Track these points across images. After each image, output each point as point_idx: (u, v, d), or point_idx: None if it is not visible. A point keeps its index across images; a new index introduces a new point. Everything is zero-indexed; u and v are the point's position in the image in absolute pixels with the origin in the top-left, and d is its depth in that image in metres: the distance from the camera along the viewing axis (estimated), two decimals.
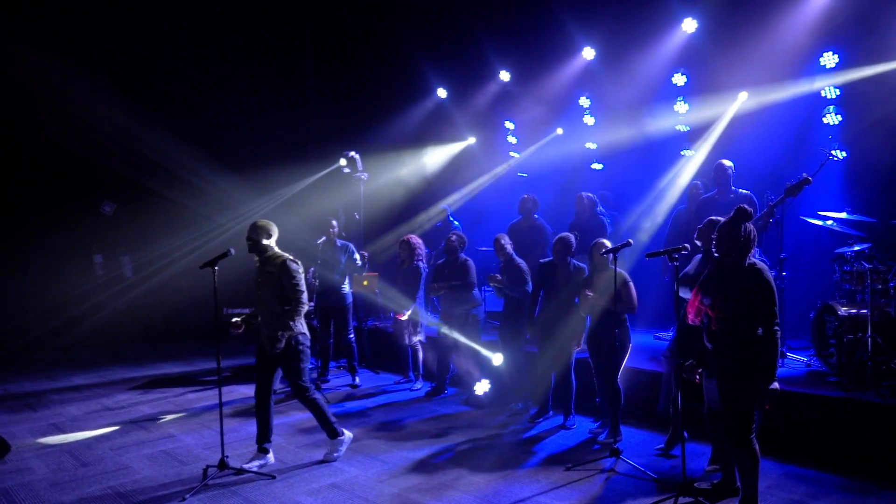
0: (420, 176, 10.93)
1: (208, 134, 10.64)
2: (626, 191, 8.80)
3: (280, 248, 4.95)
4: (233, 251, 4.74)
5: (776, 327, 3.68)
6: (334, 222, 7.46)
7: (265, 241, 4.80)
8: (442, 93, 10.81)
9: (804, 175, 5.56)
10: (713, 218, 4.43)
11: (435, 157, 11.00)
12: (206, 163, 10.31)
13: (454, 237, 6.83)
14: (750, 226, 3.77)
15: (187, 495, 4.25)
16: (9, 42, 9.23)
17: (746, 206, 3.84)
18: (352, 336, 7.59)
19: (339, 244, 7.45)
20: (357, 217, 9.57)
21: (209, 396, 7.12)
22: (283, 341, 4.65)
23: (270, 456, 4.85)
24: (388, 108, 11.13)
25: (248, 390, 7.04)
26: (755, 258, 3.79)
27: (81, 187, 10.77)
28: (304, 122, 12.19)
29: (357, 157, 9.49)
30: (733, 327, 3.69)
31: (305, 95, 12.19)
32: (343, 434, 4.99)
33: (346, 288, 7.47)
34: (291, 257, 4.81)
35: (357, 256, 7.44)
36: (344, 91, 11.77)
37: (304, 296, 4.78)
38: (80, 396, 7.20)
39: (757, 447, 3.75)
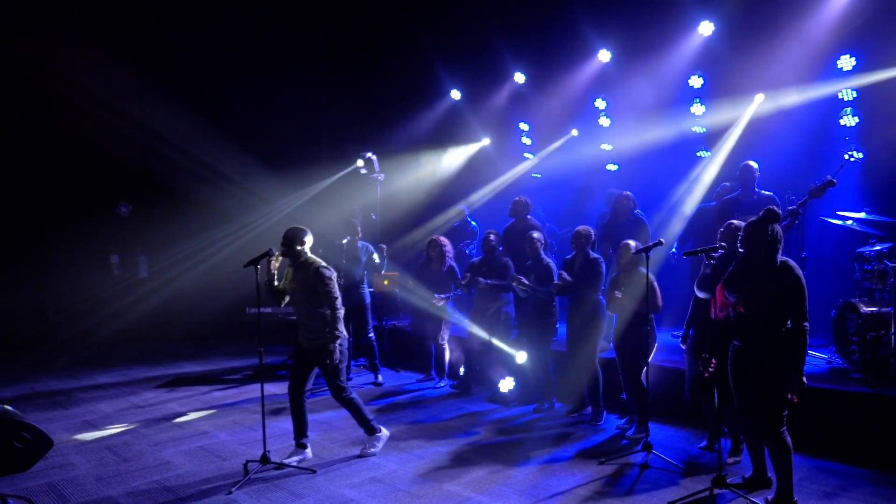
0: (436, 177, 11.02)
1: (228, 131, 10.68)
2: (643, 192, 8.89)
3: (315, 246, 5.06)
4: (274, 251, 4.83)
5: (805, 323, 3.79)
6: (358, 225, 7.57)
7: (298, 247, 4.88)
8: (456, 94, 10.92)
9: (829, 177, 5.67)
10: (733, 222, 4.56)
11: (450, 158, 11.11)
12: (228, 161, 10.41)
13: (492, 236, 6.91)
14: (777, 226, 3.89)
15: (233, 489, 4.35)
16: (28, 40, 9.34)
17: (775, 208, 3.96)
18: (372, 335, 7.69)
19: (359, 245, 7.56)
20: (374, 217, 9.67)
21: (234, 394, 7.23)
22: (338, 353, 4.73)
23: (308, 451, 4.95)
24: (403, 109, 11.24)
25: (271, 388, 7.14)
26: (784, 256, 3.90)
27: (99, 188, 10.87)
28: (318, 124, 12.28)
29: (374, 158, 9.60)
30: (765, 323, 3.80)
31: (319, 97, 12.28)
32: (380, 431, 5.08)
33: (366, 288, 7.58)
34: (324, 264, 4.87)
35: (376, 256, 7.55)
36: (359, 93, 11.86)
37: (339, 301, 4.85)
38: (108, 395, 7.28)
39: (788, 439, 3.86)
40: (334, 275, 4.91)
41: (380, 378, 7.63)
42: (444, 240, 7.32)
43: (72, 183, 10.65)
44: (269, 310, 8.23)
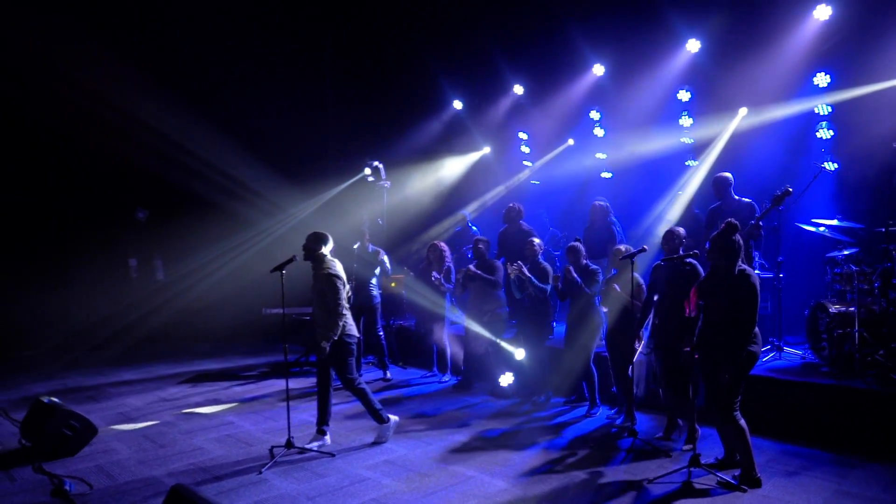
0: (439, 184, 11.57)
1: (242, 140, 11.18)
2: (635, 199, 9.43)
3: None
4: (298, 257, 5.36)
5: (753, 326, 4.35)
6: (365, 229, 8.11)
7: (319, 251, 5.38)
8: (458, 105, 11.47)
9: (787, 187, 6.19)
10: (673, 229, 5.34)
11: (453, 166, 11.65)
12: (243, 169, 10.94)
13: (481, 244, 7.46)
14: (738, 237, 4.44)
15: (263, 469, 4.89)
16: (51, 51, 9.81)
17: (733, 220, 4.53)
18: (381, 333, 8.23)
19: (370, 249, 8.10)
20: (381, 223, 10.22)
21: (253, 389, 7.77)
22: (328, 348, 5.25)
23: (328, 438, 5.48)
24: (408, 119, 11.80)
25: (292, 384, 7.66)
26: (743, 265, 4.44)
27: (118, 195, 11.43)
28: (327, 133, 12.81)
29: (381, 166, 10.16)
30: (722, 324, 4.35)
31: (328, 108, 12.83)
32: (389, 419, 5.61)
33: (376, 289, 8.12)
34: (335, 271, 5.33)
35: (386, 258, 8.09)
36: (364, 103, 12.41)
37: (342, 308, 5.28)
38: (135, 390, 7.82)
39: (743, 422, 4.40)
40: (343, 283, 5.36)
41: (388, 374, 8.17)
42: (443, 245, 7.87)
43: (92, 190, 11.21)
44: (281, 310, 8.73)
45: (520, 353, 7.09)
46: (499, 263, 7.39)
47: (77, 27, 10.12)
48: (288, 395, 5.43)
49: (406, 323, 9.55)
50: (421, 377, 8.23)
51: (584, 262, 6.32)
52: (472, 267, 7.28)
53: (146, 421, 6.40)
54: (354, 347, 5.51)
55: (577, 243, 6.42)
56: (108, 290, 11.25)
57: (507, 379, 7.18)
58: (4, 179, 10.40)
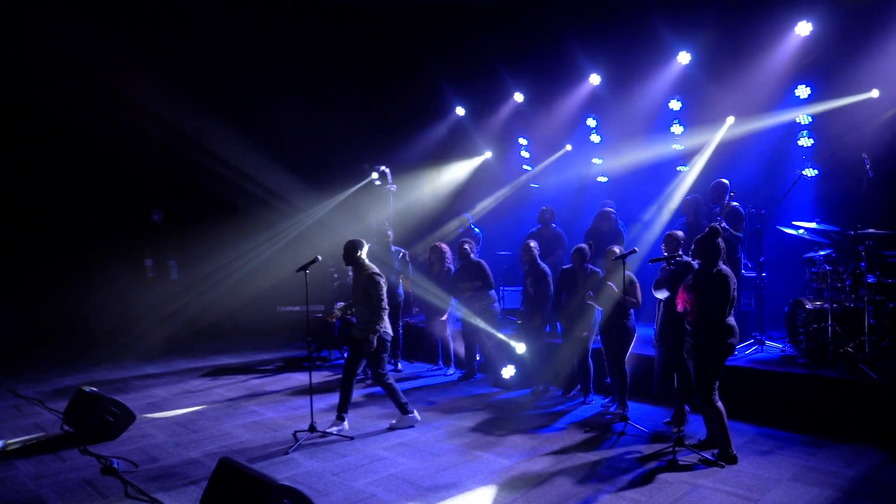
0: (443, 187, 12.09)
1: (259, 144, 11.67)
2: (629, 202, 9.94)
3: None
4: (320, 258, 5.89)
5: (723, 319, 4.86)
6: (390, 232, 8.60)
7: (357, 255, 5.93)
8: (461, 111, 11.99)
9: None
10: (672, 233, 5.80)
11: (456, 170, 12.17)
12: (259, 172, 11.45)
13: (465, 244, 7.98)
14: (720, 240, 4.96)
15: (289, 450, 5.41)
16: (68, 49, 10.24)
17: (717, 225, 5.06)
18: (400, 330, 8.76)
19: (393, 249, 8.60)
20: (387, 225, 10.73)
21: (272, 382, 8.28)
22: (374, 342, 5.74)
23: (346, 424, 6.00)
24: (412, 125, 12.33)
25: (301, 377, 8.15)
26: (721, 265, 4.96)
27: (135, 197, 11.94)
28: (332, 138, 13.32)
29: (387, 171, 10.68)
30: (700, 317, 4.87)
31: (333, 113, 13.34)
32: (413, 412, 6.09)
33: (400, 288, 8.61)
34: (377, 271, 5.90)
35: (408, 259, 8.60)
36: (370, 109, 12.93)
37: (385, 303, 5.85)
38: (159, 383, 8.34)
39: (720, 405, 4.93)
40: (384, 280, 5.91)
41: (399, 366, 8.69)
42: (444, 246, 8.39)
43: (110, 193, 11.72)
44: (297, 308, 9.24)
45: (521, 348, 7.61)
46: (484, 263, 7.91)
47: (100, 30, 10.53)
48: (311, 385, 5.94)
49: (412, 320, 10.06)
50: (427, 370, 8.76)
51: (587, 264, 6.84)
52: (461, 285, 7.87)
53: (175, 410, 6.92)
54: (389, 345, 6.02)
55: (584, 246, 6.93)
56: (126, 290, 11.75)
57: (509, 371, 7.71)
58: (27, 183, 10.90)
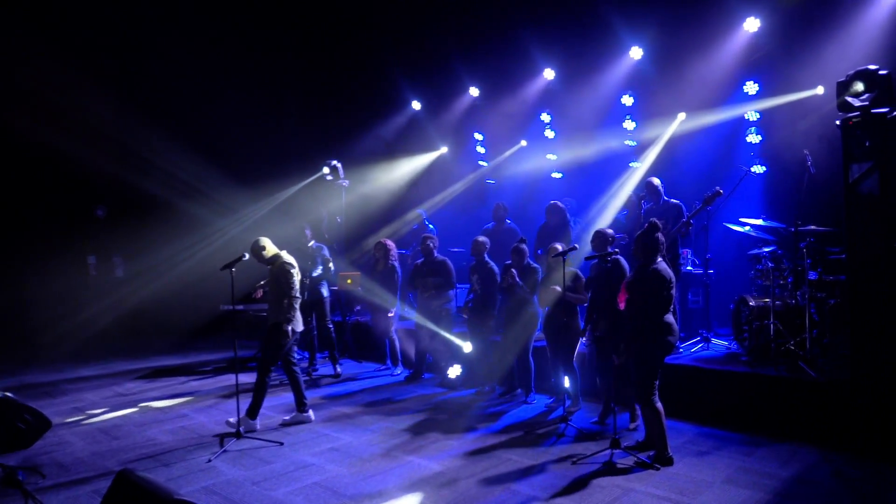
0: (397, 182, 11.85)
1: (205, 141, 11.33)
2: (583, 199, 9.84)
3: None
4: (247, 255, 5.63)
5: (661, 315, 4.73)
6: (308, 231, 8.34)
7: (263, 253, 5.86)
8: (416, 105, 11.76)
9: (717, 188, 6.66)
10: (600, 230, 5.66)
11: (411, 165, 11.94)
12: (203, 168, 11.08)
13: (429, 241, 7.77)
14: (659, 235, 4.84)
15: (212, 457, 5.14)
16: (5, 46, 9.84)
17: (656, 220, 4.93)
18: (331, 327, 8.50)
19: (314, 246, 8.34)
20: (339, 221, 10.46)
21: (209, 383, 7.97)
22: (288, 330, 5.66)
23: (311, 412, 6.02)
24: (367, 119, 12.05)
25: (244, 378, 7.85)
26: (660, 262, 4.83)
27: (76, 192, 11.45)
28: (285, 134, 12.98)
29: (339, 165, 10.39)
30: (638, 314, 4.74)
31: (287, 109, 12.99)
32: (256, 422, 5.88)
33: (323, 284, 8.35)
34: (290, 261, 5.85)
35: (327, 254, 8.33)
36: (325, 104, 12.61)
37: (295, 291, 5.81)
38: (92, 385, 7.96)
39: (660, 405, 4.81)
40: (296, 270, 5.85)
41: (338, 369, 8.40)
42: (389, 243, 8.16)
43: (49, 188, 11.22)
44: (241, 307, 8.91)
45: (467, 347, 7.44)
46: (449, 262, 7.71)
47: (35, 25, 10.18)
48: (237, 386, 5.67)
49: (362, 318, 9.81)
50: (374, 370, 8.53)
51: (527, 261, 6.68)
52: (421, 280, 7.65)
53: (102, 415, 6.57)
54: (289, 340, 5.83)
55: (521, 244, 6.77)
56: (66, 288, 11.27)
57: (455, 371, 7.53)
58: None
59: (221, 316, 9.46)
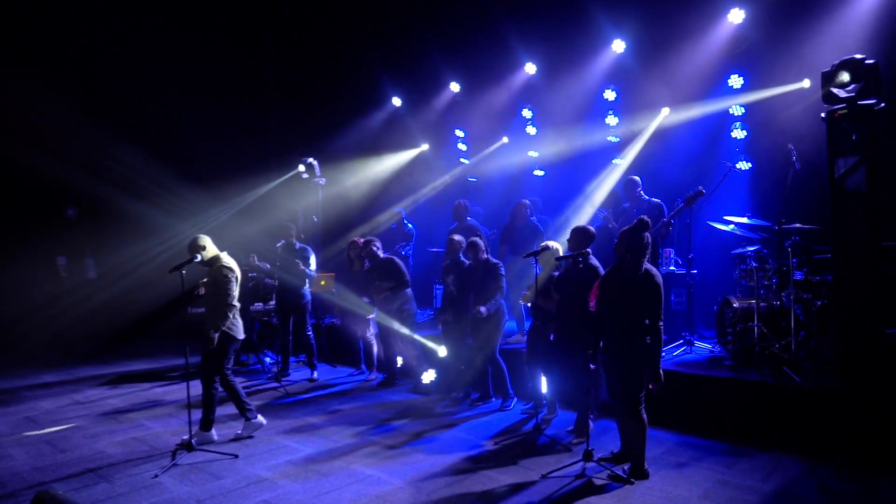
0: (376, 180, 11.54)
1: (172, 144, 11.04)
2: (565, 196, 9.55)
3: (235, 251, 5.63)
4: (198, 257, 5.31)
5: (661, 323, 4.43)
6: (293, 227, 8.03)
7: (203, 252, 5.47)
8: (397, 101, 11.45)
9: (699, 188, 6.37)
10: (581, 227, 5.29)
11: (391, 163, 11.63)
12: (168, 173, 10.75)
13: (372, 245, 7.49)
14: (647, 234, 4.51)
15: (159, 472, 4.81)
16: None
17: (646, 218, 4.61)
18: (310, 332, 8.18)
19: (297, 247, 8.02)
20: (315, 220, 10.15)
21: (175, 390, 7.63)
22: (215, 338, 5.38)
23: (260, 417, 5.70)
24: (347, 115, 11.72)
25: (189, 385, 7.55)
26: (648, 264, 4.52)
27: (45, 192, 11.08)
28: (265, 131, 12.67)
29: (315, 163, 10.07)
30: (626, 322, 4.43)
31: (267, 105, 12.67)
32: (212, 433, 5.55)
33: (306, 287, 8.05)
34: (229, 265, 5.49)
35: (312, 259, 8.01)
36: (304, 100, 12.29)
37: (233, 298, 5.45)
38: (51, 393, 7.62)
39: (645, 417, 4.51)
40: (234, 275, 5.48)
41: (315, 374, 8.10)
42: (362, 241, 7.84)
43: (17, 187, 10.84)
44: (202, 310, 8.55)
45: (442, 351, 7.13)
46: (397, 260, 7.43)
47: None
48: (189, 399, 5.35)
49: (338, 321, 9.49)
50: (348, 375, 8.22)
51: (485, 256, 6.39)
52: (377, 284, 7.40)
53: (53, 425, 6.24)
54: (233, 348, 5.53)
55: (476, 239, 6.49)
56: (36, 290, 10.91)
57: (429, 376, 7.22)
58: None
59: (191, 318, 9.11)
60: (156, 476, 4.77)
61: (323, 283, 8.66)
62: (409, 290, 7.42)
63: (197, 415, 5.52)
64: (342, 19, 11.88)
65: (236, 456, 5.16)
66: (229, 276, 5.43)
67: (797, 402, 5.20)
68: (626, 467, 4.61)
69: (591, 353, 4.67)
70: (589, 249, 5.13)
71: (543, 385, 6.09)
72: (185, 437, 5.36)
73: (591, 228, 5.40)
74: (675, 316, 7.42)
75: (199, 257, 5.34)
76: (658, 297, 4.44)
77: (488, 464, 4.94)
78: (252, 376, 8.32)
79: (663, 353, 6.38)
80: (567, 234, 5.39)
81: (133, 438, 5.76)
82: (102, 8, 10.78)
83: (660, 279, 4.50)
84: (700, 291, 7.44)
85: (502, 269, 6.29)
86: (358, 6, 11.67)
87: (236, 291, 5.50)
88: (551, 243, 5.97)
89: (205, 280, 5.64)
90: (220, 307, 5.39)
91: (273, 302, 8.76)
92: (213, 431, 5.56)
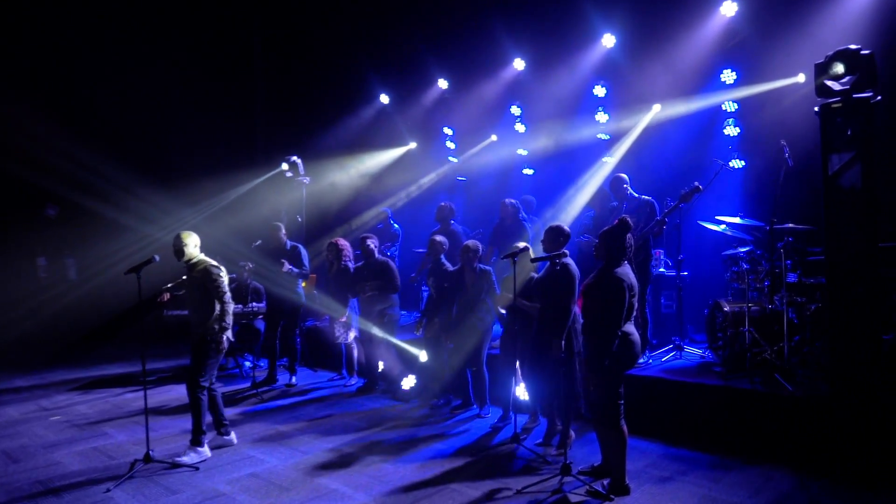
0: (363, 179, 11.27)
1: (156, 144, 10.82)
2: (555, 194, 9.27)
3: (210, 253, 5.33)
4: (157, 258, 5.04)
5: (627, 324, 4.15)
6: (282, 227, 7.75)
7: (188, 249, 5.16)
8: (384, 99, 11.18)
9: (696, 183, 6.09)
10: (555, 225, 4.98)
11: (378, 161, 11.36)
12: (150, 173, 10.52)
13: (369, 241, 7.19)
14: (629, 237, 4.24)
15: (112, 486, 4.54)
16: None
17: (627, 217, 4.33)
18: (298, 338, 7.91)
19: (288, 246, 7.73)
20: (299, 220, 9.87)
21: (147, 396, 7.34)
22: (225, 341, 5.05)
23: (233, 435, 5.40)
24: (334, 113, 11.46)
25: (182, 390, 7.28)
26: (623, 266, 4.23)
27: (24, 191, 10.82)
28: (252, 129, 12.41)
29: (299, 161, 9.80)
30: (591, 325, 4.17)
31: (253, 102, 12.42)
32: (203, 446, 5.15)
33: (301, 288, 7.76)
34: (214, 263, 5.18)
35: (305, 257, 7.74)
36: (291, 98, 12.03)
37: (229, 296, 5.15)
38: (19, 398, 7.36)
39: (625, 428, 4.23)
40: (223, 272, 5.17)
41: (293, 379, 7.82)
42: (342, 242, 7.56)
43: None
44: (176, 312, 8.28)
45: (423, 356, 6.86)
46: (391, 263, 7.15)
47: None
48: (146, 407, 5.08)
49: (320, 324, 9.23)
50: (328, 381, 7.95)
51: (476, 263, 6.13)
52: (361, 284, 7.09)
53: (12, 434, 5.97)
54: (220, 354, 5.21)
55: (471, 242, 6.21)
56: (13, 291, 10.66)
57: (409, 382, 6.96)
58: None
59: (168, 321, 8.84)
60: (108, 490, 4.50)
61: (304, 284, 8.39)
62: (395, 296, 7.14)
63: (159, 423, 5.25)
64: (329, 15, 11.64)
65: (197, 468, 4.89)
66: (220, 274, 5.12)
67: (788, 411, 4.92)
68: (605, 482, 4.34)
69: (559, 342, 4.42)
70: (566, 250, 4.84)
71: (519, 391, 5.83)
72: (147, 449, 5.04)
73: (566, 227, 5.10)
74: (666, 320, 7.16)
75: (157, 258, 5.06)
76: (616, 299, 4.07)
77: (461, 477, 4.67)
78: (230, 381, 8.04)
79: (650, 360, 6.21)
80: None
81: (93, 448, 5.49)
82: (81, 6, 10.53)
83: (629, 281, 4.14)
84: (690, 294, 7.17)
85: (493, 275, 6.02)
86: (345, 2, 11.43)
87: (229, 290, 5.19)
88: (523, 244, 5.71)
89: (169, 285, 5.36)
90: (214, 310, 5.07)
91: (254, 304, 8.49)
92: (207, 447, 5.18)
